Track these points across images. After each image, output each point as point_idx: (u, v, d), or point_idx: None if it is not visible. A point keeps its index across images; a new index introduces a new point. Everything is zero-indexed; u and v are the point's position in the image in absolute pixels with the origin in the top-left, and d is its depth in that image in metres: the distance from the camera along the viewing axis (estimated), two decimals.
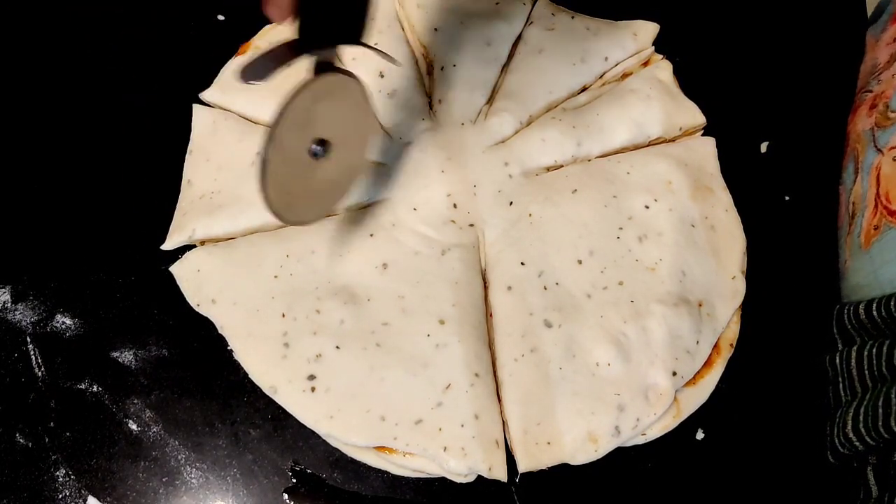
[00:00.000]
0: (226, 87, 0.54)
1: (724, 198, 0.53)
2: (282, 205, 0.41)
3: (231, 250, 0.50)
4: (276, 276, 0.49)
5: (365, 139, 0.45)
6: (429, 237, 0.50)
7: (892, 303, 0.45)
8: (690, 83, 0.56)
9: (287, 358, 0.47)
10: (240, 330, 0.48)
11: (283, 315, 0.48)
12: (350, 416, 0.45)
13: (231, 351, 0.48)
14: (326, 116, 0.41)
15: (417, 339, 0.47)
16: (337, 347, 0.47)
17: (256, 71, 0.39)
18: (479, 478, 0.46)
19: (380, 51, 0.43)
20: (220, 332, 0.48)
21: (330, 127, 0.42)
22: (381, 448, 0.46)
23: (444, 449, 0.45)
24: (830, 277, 0.52)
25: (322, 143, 0.42)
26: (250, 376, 0.47)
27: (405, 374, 0.46)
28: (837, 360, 0.48)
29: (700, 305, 0.49)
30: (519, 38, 0.56)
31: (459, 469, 0.45)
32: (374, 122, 0.46)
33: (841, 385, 0.47)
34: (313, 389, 0.46)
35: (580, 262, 0.49)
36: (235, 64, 0.55)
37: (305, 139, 0.41)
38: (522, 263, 0.49)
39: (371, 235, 0.50)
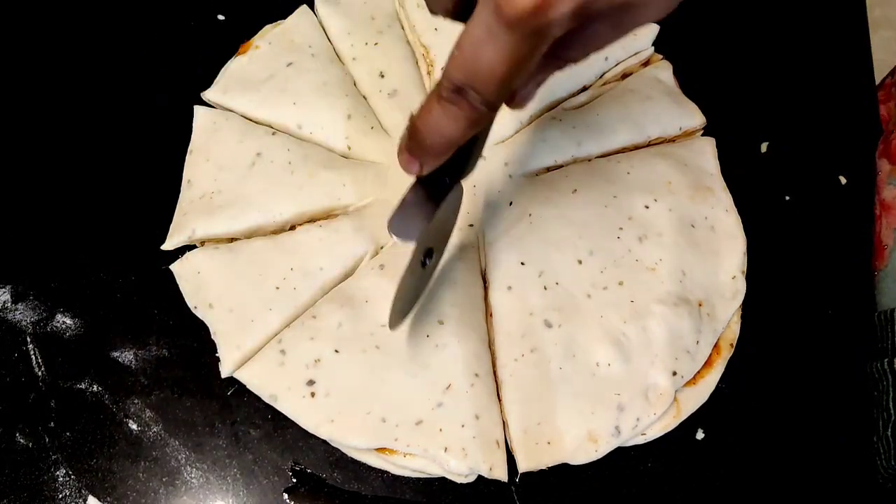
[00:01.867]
0: (227, 87, 0.54)
1: (724, 198, 0.53)
2: (395, 320, 0.44)
3: (234, 256, 0.49)
4: (277, 288, 0.49)
5: (448, 236, 0.47)
6: None
7: None
8: (690, 83, 0.56)
9: (284, 365, 0.47)
10: (232, 339, 0.48)
11: (280, 325, 0.48)
12: (350, 418, 0.45)
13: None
14: (435, 227, 0.42)
15: (417, 340, 0.47)
16: (336, 351, 0.46)
17: (409, 230, 0.38)
18: (479, 477, 0.46)
19: None
20: (212, 337, 0.48)
21: (435, 236, 0.44)
22: (381, 449, 0.46)
23: (445, 449, 0.45)
24: (831, 277, 0.52)
25: (429, 252, 0.43)
26: (248, 386, 0.47)
27: (405, 376, 0.46)
28: None
29: (700, 305, 0.49)
30: None
31: (460, 469, 0.45)
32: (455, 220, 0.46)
33: None
34: (313, 395, 0.46)
35: (580, 262, 0.49)
36: (236, 64, 0.55)
37: (420, 254, 0.42)
38: (522, 263, 0.49)
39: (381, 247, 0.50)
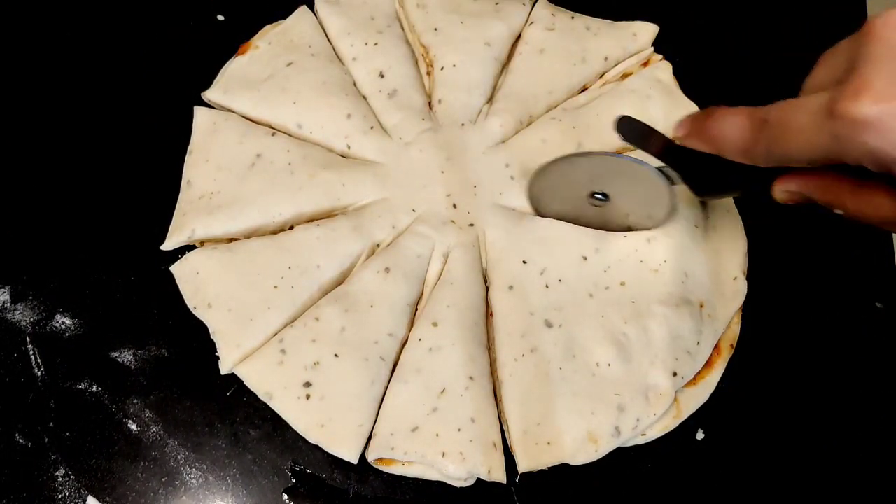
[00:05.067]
0: (227, 88, 0.54)
1: (724, 198, 0.53)
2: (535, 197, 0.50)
3: (231, 255, 0.49)
4: (275, 287, 0.48)
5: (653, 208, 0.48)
6: (428, 237, 0.50)
7: None
8: (690, 83, 0.56)
9: (283, 364, 0.46)
10: (231, 338, 0.47)
11: (279, 324, 0.48)
12: (340, 427, 0.45)
13: None
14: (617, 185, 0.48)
15: (409, 345, 0.47)
16: (336, 356, 0.46)
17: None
18: (479, 479, 0.46)
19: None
20: (212, 337, 0.48)
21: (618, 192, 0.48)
22: (379, 460, 0.46)
23: (443, 454, 0.45)
24: (830, 277, 0.52)
25: (604, 195, 0.48)
26: (245, 383, 0.47)
27: (397, 382, 0.46)
28: None
29: (701, 306, 0.49)
30: (518, 38, 0.56)
31: (459, 474, 0.45)
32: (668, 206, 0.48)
33: None
34: (308, 397, 0.46)
35: (585, 258, 0.49)
36: (236, 64, 0.55)
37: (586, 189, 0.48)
38: (524, 262, 0.49)
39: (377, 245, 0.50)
